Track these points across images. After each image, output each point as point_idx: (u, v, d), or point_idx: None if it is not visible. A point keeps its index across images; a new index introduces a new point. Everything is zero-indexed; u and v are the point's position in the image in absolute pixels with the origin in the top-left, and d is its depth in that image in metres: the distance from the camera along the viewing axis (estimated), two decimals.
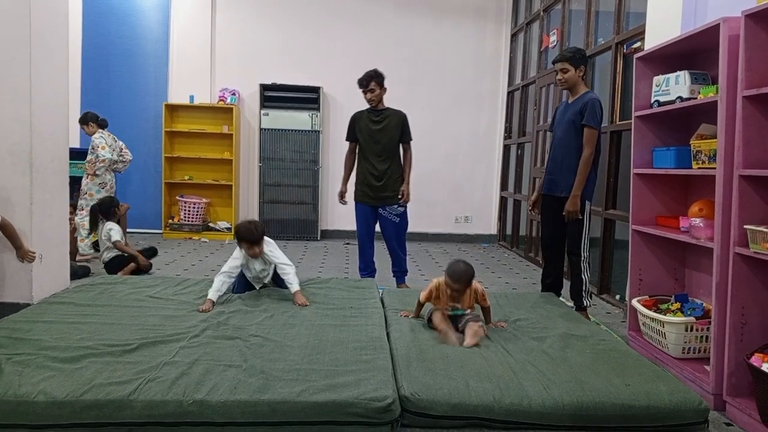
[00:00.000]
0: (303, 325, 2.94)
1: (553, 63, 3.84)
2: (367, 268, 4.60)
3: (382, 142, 4.43)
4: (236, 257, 3.56)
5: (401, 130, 4.46)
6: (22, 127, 3.45)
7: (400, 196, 4.42)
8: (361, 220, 4.56)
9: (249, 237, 3.49)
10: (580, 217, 3.67)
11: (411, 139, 4.54)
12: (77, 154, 6.80)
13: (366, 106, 4.49)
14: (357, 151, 4.59)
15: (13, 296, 3.49)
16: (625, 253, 3.66)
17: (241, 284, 3.67)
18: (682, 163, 3.03)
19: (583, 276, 3.73)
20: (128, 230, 5.00)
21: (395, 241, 4.52)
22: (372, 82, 4.36)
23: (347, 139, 4.60)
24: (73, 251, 4.97)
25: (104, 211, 4.90)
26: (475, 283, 3.03)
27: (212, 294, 3.38)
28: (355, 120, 4.53)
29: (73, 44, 6.72)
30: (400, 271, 4.59)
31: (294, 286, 3.51)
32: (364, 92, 4.40)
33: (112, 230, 4.75)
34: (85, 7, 7.17)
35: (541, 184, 4.01)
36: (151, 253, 5.29)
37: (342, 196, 4.68)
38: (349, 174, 4.66)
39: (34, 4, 3.44)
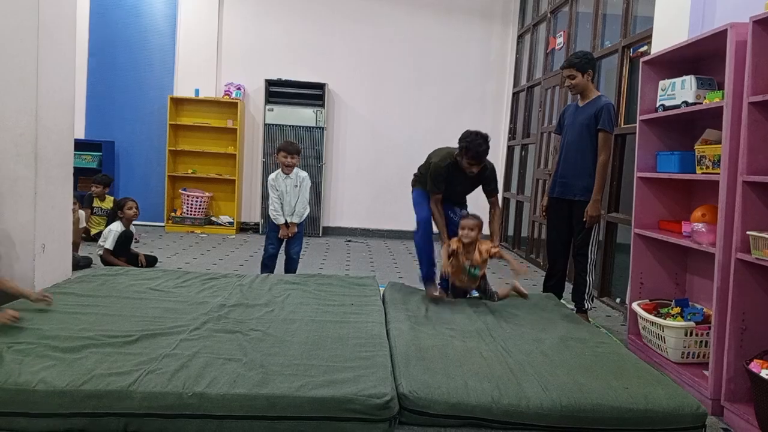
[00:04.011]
0: (303, 321, 2.95)
1: (561, 69, 3.84)
2: (433, 268, 3.79)
3: (460, 192, 3.92)
4: (272, 192, 4.29)
5: (483, 182, 3.83)
6: (28, 119, 3.45)
7: (490, 254, 3.63)
8: (425, 205, 3.80)
9: (288, 147, 4.30)
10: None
11: (498, 191, 3.88)
12: (82, 146, 6.86)
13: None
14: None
15: None
16: (627, 256, 3.66)
17: (273, 240, 4.36)
18: (686, 167, 3.03)
19: (587, 278, 3.73)
20: (134, 223, 4.96)
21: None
22: (485, 157, 3.61)
23: (435, 192, 3.76)
24: (76, 242, 4.98)
25: (115, 210, 4.98)
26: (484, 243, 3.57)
27: (281, 220, 4.26)
28: (446, 172, 3.70)
29: (80, 36, 6.73)
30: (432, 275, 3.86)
31: (295, 219, 4.34)
32: (470, 164, 3.55)
33: (109, 235, 4.70)
34: None
35: (549, 188, 4.00)
36: (149, 263, 4.96)
37: None
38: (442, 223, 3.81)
39: None
